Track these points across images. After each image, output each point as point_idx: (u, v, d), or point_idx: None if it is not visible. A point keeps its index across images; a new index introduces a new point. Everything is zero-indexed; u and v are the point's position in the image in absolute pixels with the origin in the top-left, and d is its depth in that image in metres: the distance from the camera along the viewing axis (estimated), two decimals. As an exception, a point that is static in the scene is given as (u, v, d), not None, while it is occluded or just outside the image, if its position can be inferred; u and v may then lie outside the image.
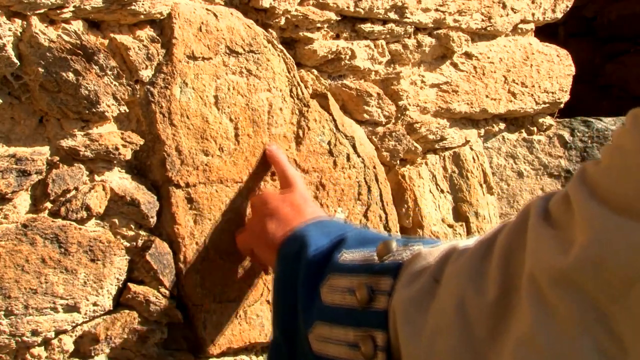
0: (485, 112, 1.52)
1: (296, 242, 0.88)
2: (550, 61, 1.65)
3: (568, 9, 1.68)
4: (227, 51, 1.05)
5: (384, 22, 1.27)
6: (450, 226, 1.44)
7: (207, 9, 1.03)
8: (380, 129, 1.32)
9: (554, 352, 0.50)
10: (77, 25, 0.89)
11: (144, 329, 0.98)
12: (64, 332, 0.92)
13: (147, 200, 0.97)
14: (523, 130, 1.68)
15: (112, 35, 0.93)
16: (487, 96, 1.51)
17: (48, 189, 0.87)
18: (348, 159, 1.18)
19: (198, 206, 1.02)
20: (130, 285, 0.97)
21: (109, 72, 0.91)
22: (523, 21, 1.58)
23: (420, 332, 0.62)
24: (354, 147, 1.20)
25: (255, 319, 1.09)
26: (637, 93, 3.30)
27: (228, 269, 1.05)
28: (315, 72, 1.21)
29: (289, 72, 1.13)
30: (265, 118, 1.09)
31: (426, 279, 0.66)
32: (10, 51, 0.82)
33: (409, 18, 1.30)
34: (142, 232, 0.98)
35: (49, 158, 0.88)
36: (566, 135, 1.72)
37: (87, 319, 0.94)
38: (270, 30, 1.13)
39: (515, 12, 1.54)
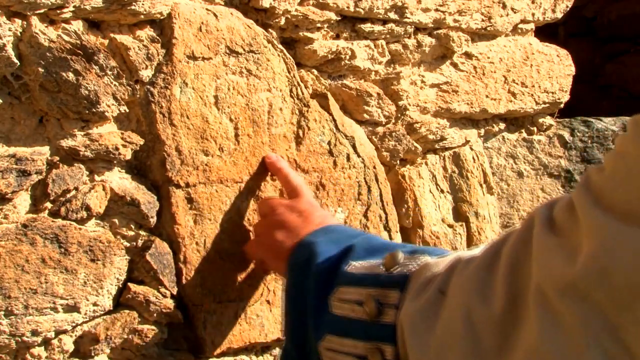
0: (485, 112, 1.52)
1: (305, 251, 0.88)
2: (550, 61, 1.65)
3: (568, 9, 1.68)
4: (227, 51, 1.05)
5: (384, 22, 1.27)
6: (450, 226, 1.44)
7: (207, 9, 1.03)
8: (380, 129, 1.32)
9: None
10: (77, 25, 0.89)
11: (144, 329, 0.98)
12: (64, 332, 0.92)
13: (147, 200, 0.97)
14: (523, 130, 1.68)
15: (112, 35, 0.93)
16: (487, 96, 1.51)
17: (48, 189, 0.87)
18: (348, 159, 1.18)
19: (198, 206, 1.02)
20: (130, 285, 0.97)
21: (109, 72, 0.91)
22: (523, 21, 1.58)
23: (428, 344, 0.62)
24: (354, 147, 1.20)
25: (255, 319, 1.09)
26: (637, 93, 3.30)
27: (228, 269, 1.05)
28: (315, 72, 1.21)
29: (289, 72, 1.13)
30: (265, 118, 1.09)
31: (432, 292, 0.66)
32: (10, 51, 0.82)
33: (409, 18, 1.30)
34: (142, 232, 0.98)
35: (49, 158, 0.88)
36: (566, 135, 1.72)
37: (87, 319, 0.94)
38: (270, 30, 1.13)
39: (515, 12, 1.54)
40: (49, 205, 0.89)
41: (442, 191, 1.45)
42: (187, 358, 1.03)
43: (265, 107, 1.09)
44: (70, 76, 0.87)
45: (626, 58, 3.40)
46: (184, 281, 1.01)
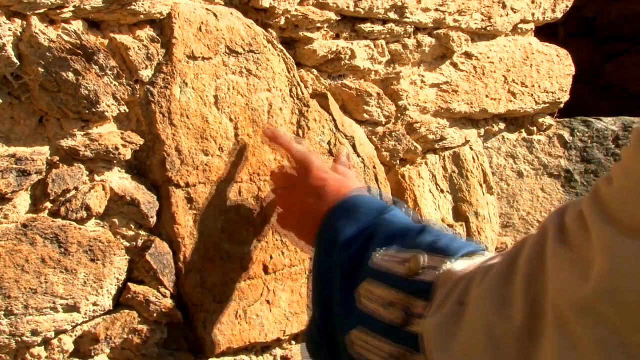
0: (485, 112, 1.52)
1: (327, 235, 0.91)
2: (550, 61, 1.65)
3: (568, 9, 1.68)
4: (227, 51, 1.05)
5: (384, 22, 1.27)
6: (450, 226, 1.44)
7: (207, 9, 1.03)
8: (380, 129, 1.32)
9: None
10: (77, 25, 0.89)
11: (144, 329, 0.98)
12: (64, 332, 0.92)
13: (147, 200, 0.97)
14: (523, 130, 1.68)
15: (112, 35, 0.93)
16: (487, 96, 1.51)
17: (48, 189, 0.87)
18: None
19: (198, 206, 1.02)
20: (130, 285, 0.97)
21: (109, 72, 0.91)
22: (523, 21, 1.58)
23: (451, 356, 0.64)
24: (354, 147, 1.20)
25: (255, 319, 1.09)
26: (637, 93, 3.30)
27: (228, 269, 1.05)
28: (315, 72, 1.21)
29: (289, 72, 1.13)
30: (265, 118, 1.09)
31: (452, 303, 0.67)
32: (10, 51, 0.82)
33: (409, 18, 1.30)
34: (142, 232, 0.98)
35: (49, 158, 0.88)
36: (566, 135, 1.72)
37: (87, 319, 0.94)
38: (270, 30, 1.13)
39: (515, 12, 1.54)
40: (49, 205, 0.89)
41: (442, 191, 1.45)
42: (187, 358, 1.03)
43: (265, 107, 1.09)
44: (70, 76, 0.87)
45: (626, 58, 3.40)
46: (184, 281, 1.01)
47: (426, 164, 1.43)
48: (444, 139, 1.44)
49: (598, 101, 3.19)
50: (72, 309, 0.91)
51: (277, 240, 1.11)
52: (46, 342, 0.91)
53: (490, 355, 0.59)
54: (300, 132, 1.13)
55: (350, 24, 1.24)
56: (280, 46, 1.12)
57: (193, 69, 1.01)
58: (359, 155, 1.20)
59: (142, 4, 0.93)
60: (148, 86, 0.97)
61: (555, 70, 1.65)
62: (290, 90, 1.13)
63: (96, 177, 0.93)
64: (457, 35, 1.41)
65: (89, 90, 0.89)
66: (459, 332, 0.64)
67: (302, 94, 1.14)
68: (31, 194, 0.87)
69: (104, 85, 0.90)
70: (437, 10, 1.34)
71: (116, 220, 0.95)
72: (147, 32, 0.96)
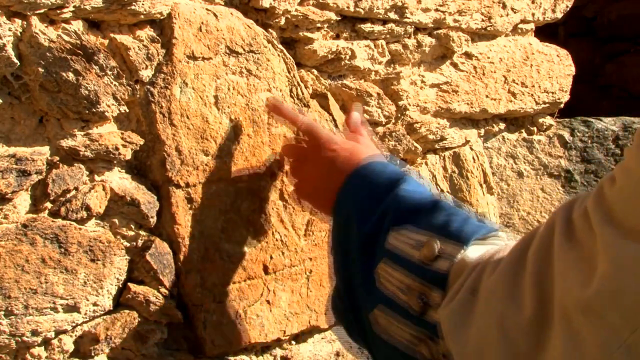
0: (485, 112, 1.52)
1: (342, 212, 0.92)
2: (550, 61, 1.65)
3: (568, 9, 1.68)
4: (227, 51, 1.05)
5: (384, 22, 1.27)
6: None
7: (207, 9, 1.03)
8: (380, 129, 1.32)
9: None
10: (77, 25, 0.89)
11: (144, 329, 0.98)
12: (64, 332, 0.92)
13: (147, 200, 0.97)
14: (523, 130, 1.68)
15: (112, 35, 0.93)
16: (487, 96, 1.51)
17: (48, 189, 0.87)
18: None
19: (198, 206, 1.02)
20: (130, 285, 0.97)
21: (109, 72, 0.91)
22: (523, 21, 1.58)
23: (465, 345, 0.65)
24: (354, 147, 1.20)
25: (255, 319, 1.09)
26: (637, 93, 3.30)
27: (228, 269, 1.05)
28: (315, 72, 1.21)
29: (289, 72, 1.13)
30: (265, 118, 1.09)
31: (465, 293, 0.69)
32: (10, 51, 0.82)
33: (409, 18, 1.30)
34: (142, 232, 0.98)
35: (49, 158, 0.88)
36: (566, 135, 1.72)
37: (87, 319, 0.94)
38: (270, 30, 1.13)
39: (515, 12, 1.54)
40: (49, 205, 0.89)
41: (442, 191, 1.45)
42: (187, 358, 1.03)
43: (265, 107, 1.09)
44: (70, 76, 0.87)
45: (626, 58, 3.40)
46: (184, 281, 1.01)
47: (426, 164, 1.43)
48: (444, 139, 1.44)
49: (598, 101, 3.20)
50: (72, 309, 0.91)
51: (277, 240, 1.11)
52: (46, 342, 0.91)
53: (502, 346, 0.60)
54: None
55: (350, 24, 1.24)
56: (280, 46, 1.12)
57: (193, 69, 1.01)
58: (359, 155, 1.20)
59: (142, 4, 0.93)
60: (148, 86, 0.97)
61: (555, 70, 1.65)
62: (290, 90, 1.13)
63: (96, 177, 0.93)
64: (457, 35, 1.41)
65: (89, 90, 0.88)
66: (472, 322, 0.65)
67: (302, 94, 1.14)
68: (31, 194, 0.87)
69: (104, 85, 0.90)
70: (437, 10, 1.34)
71: (116, 220, 0.95)
72: (147, 32, 0.96)
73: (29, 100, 0.87)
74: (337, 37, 1.23)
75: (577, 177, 1.72)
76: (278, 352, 1.16)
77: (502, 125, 1.61)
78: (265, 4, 1.09)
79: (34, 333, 0.88)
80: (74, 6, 0.86)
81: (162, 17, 0.98)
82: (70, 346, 0.93)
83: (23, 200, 0.86)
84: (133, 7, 0.92)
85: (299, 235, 1.14)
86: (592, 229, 0.54)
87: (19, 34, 0.83)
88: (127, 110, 0.95)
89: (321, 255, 1.18)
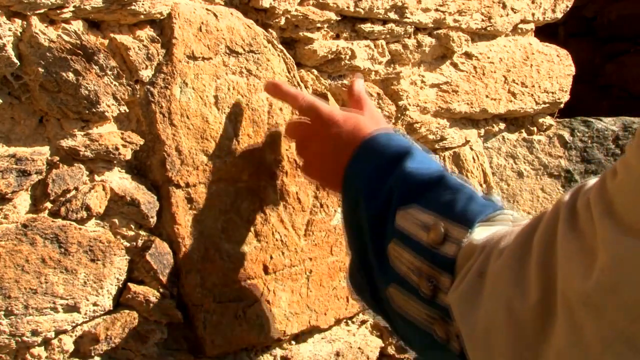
0: (485, 112, 1.52)
1: (350, 191, 0.92)
2: (550, 61, 1.65)
3: (568, 9, 1.68)
4: (227, 51, 1.05)
5: (384, 22, 1.27)
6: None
7: (207, 9, 1.03)
8: (380, 129, 1.32)
9: None
10: (77, 25, 0.89)
11: (144, 329, 0.98)
12: (64, 332, 0.92)
13: (147, 200, 0.97)
14: (523, 130, 1.68)
15: (112, 35, 0.93)
16: (487, 96, 1.51)
17: (48, 189, 0.87)
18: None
19: (198, 206, 1.02)
20: (130, 285, 0.97)
21: (109, 72, 0.91)
22: (523, 21, 1.58)
23: (474, 327, 0.66)
24: (354, 147, 1.20)
25: (255, 319, 1.09)
26: (637, 93, 3.30)
27: (228, 269, 1.05)
28: (315, 72, 1.21)
29: (289, 72, 1.13)
30: (265, 118, 1.09)
31: (473, 275, 0.70)
32: (10, 51, 0.82)
33: (409, 18, 1.30)
34: (142, 232, 0.98)
35: (49, 158, 0.88)
36: (566, 135, 1.72)
37: (87, 319, 0.94)
38: (270, 30, 1.13)
39: (515, 12, 1.54)
40: (49, 205, 0.89)
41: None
42: (187, 358, 1.03)
43: (265, 107, 1.09)
44: (70, 76, 0.87)
45: (626, 58, 3.40)
46: (184, 281, 1.01)
47: (426, 164, 1.43)
48: (444, 139, 1.44)
49: (598, 101, 3.20)
50: (72, 309, 0.91)
51: (277, 240, 1.11)
52: (46, 342, 0.91)
53: (511, 329, 0.61)
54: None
55: (350, 24, 1.24)
56: (280, 46, 1.12)
57: (193, 69, 1.01)
58: (359, 155, 1.20)
59: (142, 4, 0.93)
60: (148, 86, 0.97)
61: (555, 70, 1.65)
62: (290, 90, 1.12)
63: (96, 177, 0.93)
64: (457, 35, 1.41)
65: (89, 90, 0.89)
66: (480, 304, 0.66)
67: (302, 94, 1.14)
68: (31, 194, 0.87)
69: (104, 85, 0.90)
70: (437, 10, 1.34)
71: (116, 220, 0.95)
72: (147, 32, 0.96)
73: (29, 100, 0.87)
74: (337, 37, 1.23)
75: (577, 177, 1.72)
76: (278, 352, 1.16)
77: (502, 125, 1.61)
78: (265, 4, 1.09)
79: (34, 333, 0.88)
80: (74, 6, 0.86)
81: (162, 17, 0.98)
82: (70, 346, 0.93)
83: (23, 200, 0.86)
84: (133, 7, 0.92)
85: (299, 235, 1.14)
86: (593, 220, 0.54)
87: (19, 34, 0.83)
88: (127, 110, 0.95)
89: (321, 255, 1.18)
